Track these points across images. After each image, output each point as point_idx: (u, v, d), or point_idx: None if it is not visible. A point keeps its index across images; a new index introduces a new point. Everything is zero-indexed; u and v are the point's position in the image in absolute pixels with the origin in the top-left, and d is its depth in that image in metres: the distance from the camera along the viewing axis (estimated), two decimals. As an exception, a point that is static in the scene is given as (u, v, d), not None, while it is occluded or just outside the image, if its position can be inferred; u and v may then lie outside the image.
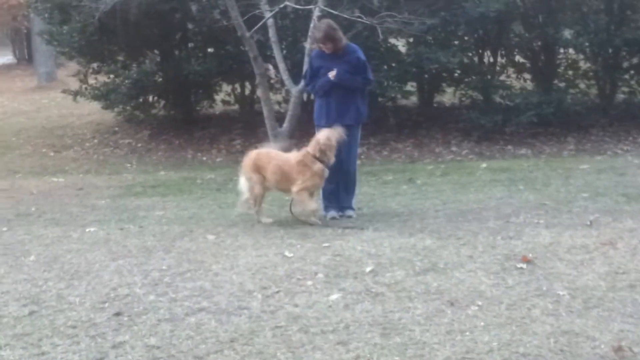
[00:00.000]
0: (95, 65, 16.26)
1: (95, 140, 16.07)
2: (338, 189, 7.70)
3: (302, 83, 7.86)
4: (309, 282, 5.49)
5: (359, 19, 11.73)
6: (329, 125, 7.50)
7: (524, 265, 5.65)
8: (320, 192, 7.66)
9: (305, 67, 11.92)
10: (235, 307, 5.01)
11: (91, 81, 16.29)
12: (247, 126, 15.73)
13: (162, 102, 16.54)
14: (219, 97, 16.83)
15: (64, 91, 16.83)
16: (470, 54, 15.32)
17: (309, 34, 10.93)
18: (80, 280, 5.75)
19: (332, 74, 7.50)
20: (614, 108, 15.10)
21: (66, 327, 4.76)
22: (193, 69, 14.70)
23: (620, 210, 7.47)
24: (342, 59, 7.58)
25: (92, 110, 17.99)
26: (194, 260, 6.22)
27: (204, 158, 14.30)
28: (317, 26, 7.67)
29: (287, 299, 5.15)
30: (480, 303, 4.89)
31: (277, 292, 5.29)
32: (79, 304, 5.19)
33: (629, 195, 8.26)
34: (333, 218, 7.57)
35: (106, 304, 5.17)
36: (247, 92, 16.58)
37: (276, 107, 15.12)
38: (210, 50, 15.85)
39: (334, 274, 5.66)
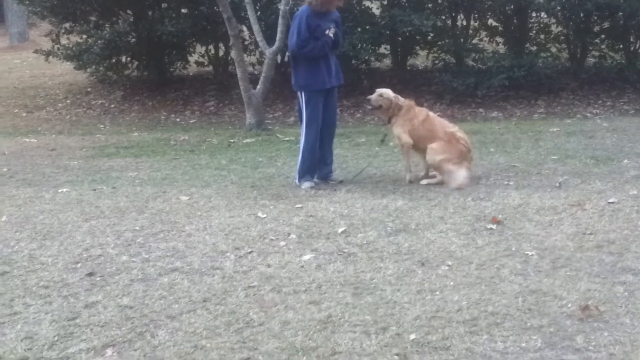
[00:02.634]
0: (67, 25, 16.02)
1: (68, 101, 15.91)
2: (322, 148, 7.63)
3: (294, 43, 7.21)
4: (282, 243, 5.53)
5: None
6: (331, 87, 7.45)
7: (494, 226, 5.73)
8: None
9: (284, 28, 11.88)
10: (208, 267, 5.04)
11: (63, 41, 16.06)
12: (221, 87, 15.66)
13: (135, 63, 16.37)
14: (192, 59, 16.70)
15: (36, 51, 16.57)
16: (443, 17, 15.28)
17: None
18: (52, 241, 5.75)
19: (331, 32, 7.31)
20: (584, 72, 15.20)
21: (38, 287, 4.77)
22: (166, 30, 14.56)
23: (588, 173, 7.57)
24: (331, 18, 7.41)
25: (64, 71, 17.81)
26: (167, 221, 6.24)
27: (178, 119, 14.22)
28: None
29: (259, 259, 5.19)
30: (450, 263, 4.97)
31: (250, 252, 5.34)
32: (51, 264, 5.20)
33: (597, 157, 8.37)
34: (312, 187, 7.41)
35: (79, 264, 5.18)
36: (220, 53, 16.45)
37: (250, 68, 15.04)
38: (183, 10, 15.67)
39: (307, 235, 5.71)
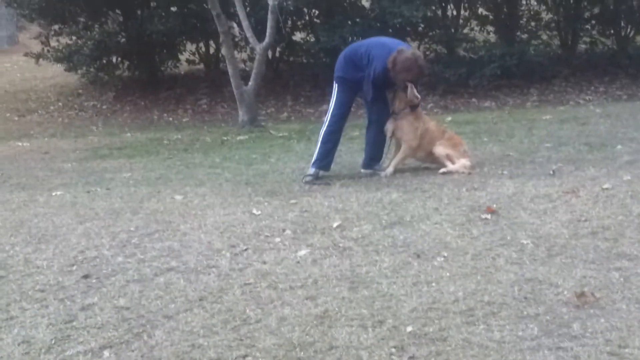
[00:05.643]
0: (56, 27, 16.04)
1: (60, 103, 15.89)
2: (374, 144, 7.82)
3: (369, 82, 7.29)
4: (277, 239, 5.52)
5: (322, -26, 11.67)
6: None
7: (489, 216, 5.72)
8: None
9: (274, 23, 11.92)
10: (204, 266, 5.03)
11: (53, 43, 16.08)
12: (213, 85, 15.67)
13: (126, 63, 16.39)
14: (183, 57, 16.69)
15: (26, 54, 16.58)
16: (433, 8, 15.31)
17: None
18: (47, 244, 5.73)
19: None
20: (575, 58, 15.24)
21: (34, 291, 4.75)
22: (156, 29, 14.56)
23: (582, 159, 7.58)
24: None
25: (55, 73, 17.78)
26: (161, 220, 6.22)
27: (170, 118, 14.22)
28: (424, 64, 7.54)
29: (255, 256, 5.18)
30: (445, 254, 4.96)
31: (245, 249, 5.32)
32: (47, 268, 5.18)
33: (591, 144, 8.38)
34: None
35: (74, 267, 5.17)
36: (211, 50, 16.47)
37: (241, 65, 15.03)
38: (173, 9, 15.66)
39: (302, 230, 5.70)
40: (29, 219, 6.55)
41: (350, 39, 13.97)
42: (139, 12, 15.73)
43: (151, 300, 4.48)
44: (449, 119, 11.50)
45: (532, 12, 15.81)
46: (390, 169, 7.52)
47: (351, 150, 9.01)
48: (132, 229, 6.02)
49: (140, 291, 4.64)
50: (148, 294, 4.59)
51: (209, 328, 4.04)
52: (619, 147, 8.11)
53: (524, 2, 15.77)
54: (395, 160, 7.58)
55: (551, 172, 7.03)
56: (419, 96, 7.48)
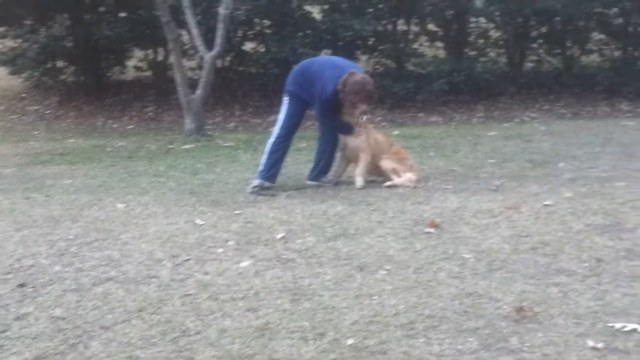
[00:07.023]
0: (1, 29, 15.74)
1: (2, 107, 15.58)
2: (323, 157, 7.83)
3: (324, 101, 7.35)
4: (220, 250, 5.46)
5: (273, -15, 11.66)
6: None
7: (432, 230, 5.74)
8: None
9: (224, 32, 11.88)
10: (144, 276, 4.95)
11: (-3, 46, 15.80)
12: (160, 92, 15.53)
13: (72, 68, 16.16)
14: (131, 63, 16.52)
15: (-33, 56, 16.26)
16: (384, 22, 15.43)
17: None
18: (-17, 251, 5.59)
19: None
20: (522, 76, 15.49)
21: (-33, 299, 4.63)
22: (104, 34, 14.41)
23: (525, 176, 7.67)
24: None
25: (-2, 76, 17.45)
26: (102, 229, 6.11)
27: (115, 125, 14.04)
28: (373, 90, 7.44)
29: (197, 266, 5.12)
30: (388, 267, 4.96)
31: (187, 260, 5.26)
32: (-18, 276, 5.05)
33: (534, 160, 8.50)
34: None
35: (10, 275, 5.04)
36: (160, 58, 16.32)
37: (190, 73, 14.93)
38: (122, 14, 15.53)
39: (245, 241, 5.65)
40: (-36, 224, 6.39)
41: (300, 50, 13.99)
42: (87, 16, 15.55)
43: (88, 311, 4.38)
44: (397, 132, 11.56)
45: (481, 30, 16.02)
46: (359, 181, 7.48)
47: (297, 161, 9.00)
48: (71, 237, 5.90)
49: (77, 301, 4.54)
50: (85, 304, 4.49)
51: (147, 339, 3.96)
52: (561, 164, 8.24)
53: (473, 20, 15.98)
54: (357, 170, 7.52)
55: (494, 188, 7.10)
56: (365, 116, 7.45)
